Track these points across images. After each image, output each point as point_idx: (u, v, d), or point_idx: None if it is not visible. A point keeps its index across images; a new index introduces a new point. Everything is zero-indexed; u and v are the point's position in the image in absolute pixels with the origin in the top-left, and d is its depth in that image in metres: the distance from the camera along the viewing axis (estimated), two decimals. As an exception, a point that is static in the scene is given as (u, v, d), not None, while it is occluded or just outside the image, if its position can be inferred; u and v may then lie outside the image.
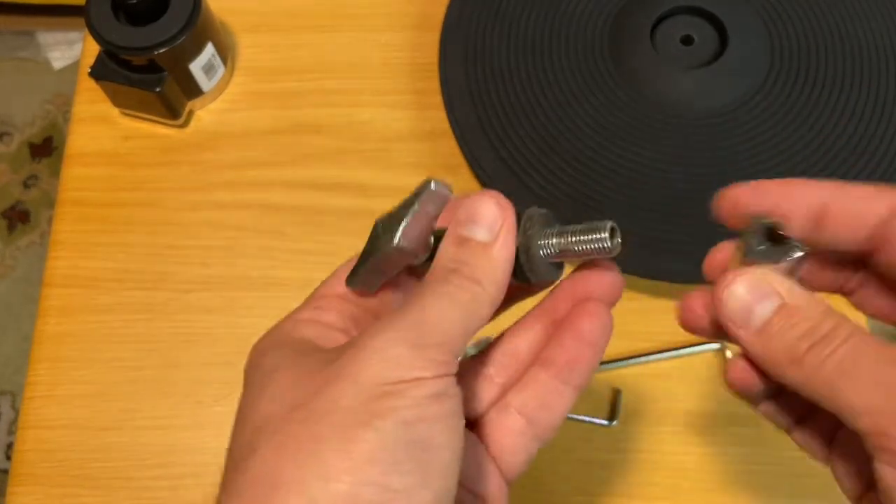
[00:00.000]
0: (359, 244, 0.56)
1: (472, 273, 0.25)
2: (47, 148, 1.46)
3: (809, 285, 0.27)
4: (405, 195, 0.57)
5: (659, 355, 0.51)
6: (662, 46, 0.54)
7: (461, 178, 0.56)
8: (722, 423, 0.50)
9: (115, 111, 0.58)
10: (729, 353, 0.51)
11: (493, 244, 0.26)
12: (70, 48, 1.48)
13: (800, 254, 0.26)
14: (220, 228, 0.55)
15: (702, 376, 0.51)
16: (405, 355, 0.23)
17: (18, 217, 1.41)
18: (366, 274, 0.27)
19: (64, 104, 1.48)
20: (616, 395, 0.50)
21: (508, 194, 0.52)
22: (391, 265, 0.27)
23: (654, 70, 0.53)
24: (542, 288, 0.29)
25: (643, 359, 0.51)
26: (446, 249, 0.26)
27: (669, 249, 0.49)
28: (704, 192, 0.51)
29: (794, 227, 0.26)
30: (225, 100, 0.58)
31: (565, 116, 0.53)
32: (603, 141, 0.52)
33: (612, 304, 0.30)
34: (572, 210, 0.50)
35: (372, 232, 0.28)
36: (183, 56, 0.52)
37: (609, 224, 0.26)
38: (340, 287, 0.28)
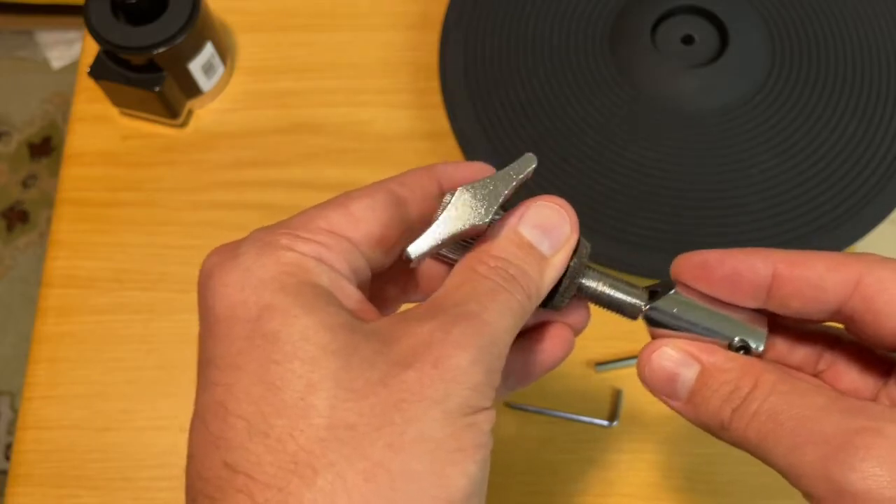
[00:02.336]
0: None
1: (528, 285, 0.23)
2: (46, 148, 1.46)
3: (784, 364, 0.27)
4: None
5: (659, 355, 0.51)
6: (663, 46, 0.54)
7: (461, 177, 0.56)
8: (722, 423, 0.50)
9: (114, 111, 0.58)
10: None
11: (552, 260, 0.25)
12: (69, 48, 1.48)
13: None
14: (220, 228, 0.55)
15: (702, 376, 0.51)
16: (481, 381, 0.21)
17: (17, 217, 1.41)
18: (435, 245, 0.23)
19: (63, 104, 1.48)
20: (616, 395, 0.50)
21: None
22: (464, 237, 0.25)
23: (654, 69, 0.53)
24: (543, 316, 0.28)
25: (644, 359, 0.51)
26: (508, 248, 0.24)
27: (669, 249, 0.49)
28: (704, 192, 0.51)
29: (748, 301, 0.26)
30: (224, 99, 0.58)
31: (565, 116, 0.53)
32: (603, 140, 0.52)
33: (577, 333, 0.29)
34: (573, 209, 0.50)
35: (448, 200, 0.24)
36: (182, 55, 0.52)
37: (647, 295, 0.27)
38: (349, 229, 0.23)
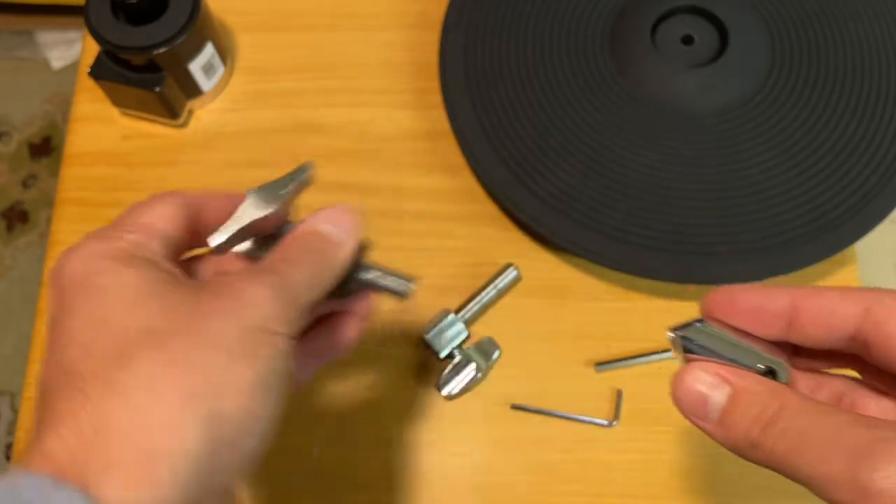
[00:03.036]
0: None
1: (322, 259, 0.31)
2: (46, 148, 1.46)
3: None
4: (405, 195, 0.57)
5: (660, 355, 0.51)
6: (663, 46, 0.54)
7: (461, 178, 0.56)
8: (722, 423, 0.50)
9: (114, 111, 0.58)
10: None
11: (343, 244, 0.32)
12: (69, 48, 1.48)
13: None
14: (220, 228, 0.55)
15: (702, 376, 0.51)
16: (276, 313, 0.27)
17: (17, 217, 1.41)
18: (234, 236, 0.32)
19: (63, 104, 1.48)
20: (617, 395, 0.50)
21: (509, 194, 0.52)
22: (257, 230, 0.32)
23: (654, 70, 0.53)
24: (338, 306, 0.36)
25: (644, 359, 0.51)
26: (307, 234, 0.31)
27: (668, 249, 0.49)
28: (704, 193, 0.51)
29: (770, 330, 0.28)
30: (224, 99, 0.58)
31: (565, 116, 0.53)
32: (603, 140, 0.52)
33: (364, 319, 0.36)
34: (573, 210, 0.50)
35: (246, 200, 0.33)
36: (182, 56, 0.52)
37: (413, 283, 0.34)
38: (158, 220, 0.30)
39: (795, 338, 0.28)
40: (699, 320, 0.29)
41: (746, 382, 0.26)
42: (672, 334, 0.28)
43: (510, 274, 0.52)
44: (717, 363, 0.27)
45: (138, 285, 0.27)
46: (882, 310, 0.26)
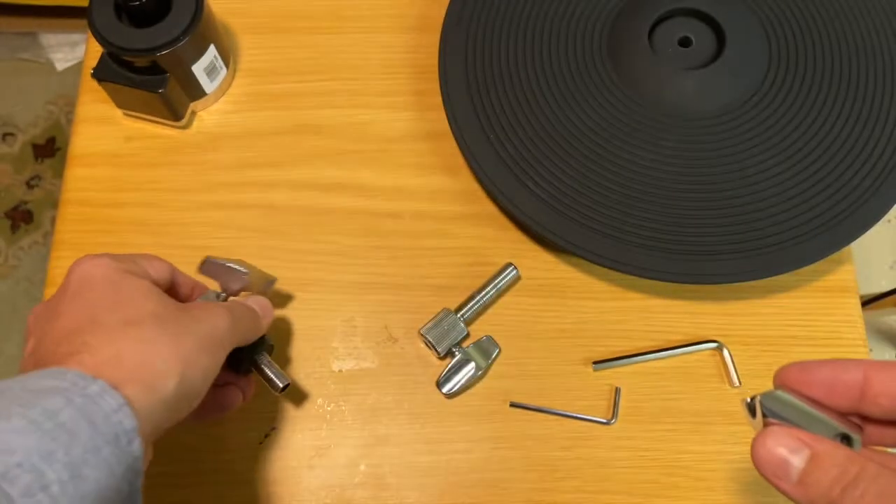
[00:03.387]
0: (359, 244, 0.56)
1: (248, 322, 0.44)
2: (50, 148, 1.46)
3: None
4: (405, 195, 0.58)
5: (657, 354, 0.51)
6: (661, 48, 0.54)
7: (461, 178, 0.56)
8: (720, 421, 0.51)
9: (117, 112, 0.58)
10: (726, 353, 0.51)
11: (261, 321, 0.46)
12: (73, 49, 1.48)
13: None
14: (222, 228, 0.55)
15: (699, 375, 0.52)
16: (224, 332, 0.40)
17: (21, 217, 1.42)
18: (211, 271, 0.48)
19: (67, 105, 1.49)
20: (615, 393, 0.51)
21: (509, 194, 0.52)
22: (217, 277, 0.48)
23: (652, 71, 0.53)
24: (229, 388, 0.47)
25: (642, 357, 0.51)
26: (243, 306, 0.45)
27: (667, 249, 0.50)
28: (702, 193, 0.51)
29: (843, 401, 0.30)
30: (227, 101, 0.59)
31: (564, 117, 0.53)
32: (602, 141, 0.52)
33: (245, 398, 0.47)
34: (572, 210, 0.51)
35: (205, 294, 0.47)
36: (185, 58, 0.53)
37: (287, 384, 0.46)
38: (152, 267, 0.42)
39: (867, 409, 0.30)
40: (777, 389, 0.31)
41: (825, 447, 0.28)
42: (750, 400, 0.30)
43: (510, 273, 0.52)
44: (795, 429, 0.29)
45: (147, 289, 0.39)
46: None
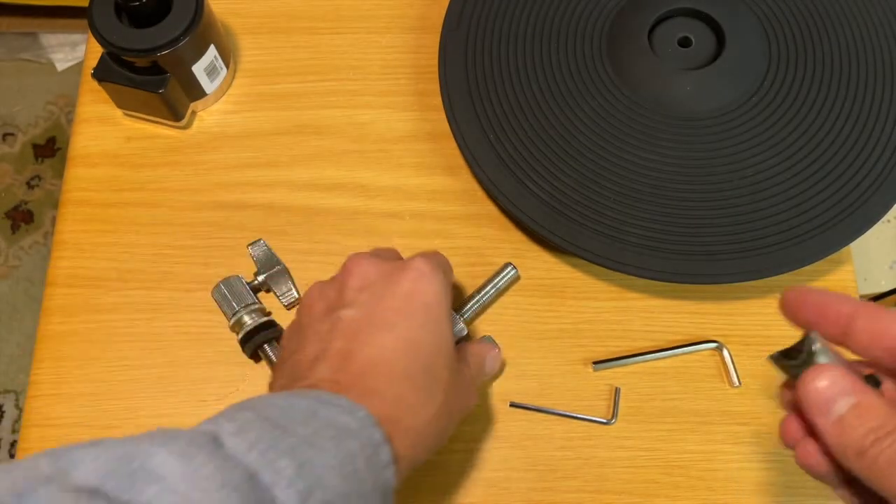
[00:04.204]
0: (360, 244, 0.57)
1: (479, 374, 0.47)
2: (50, 148, 1.46)
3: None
4: (406, 195, 0.58)
5: (657, 354, 0.51)
6: (660, 48, 0.54)
7: (461, 178, 0.56)
8: (719, 420, 0.51)
9: (118, 112, 0.58)
10: (726, 353, 0.51)
11: (487, 373, 0.48)
12: (73, 50, 1.49)
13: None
14: (223, 228, 0.55)
15: (699, 375, 0.52)
16: (474, 393, 0.45)
17: (22, 217, 1.42)
18: None
19: (67, 105, 1.49)
20: (615, 393, 0.51)
21: (509, 194, 0.52)
22: None
23: (652, 72, 0.53)
24: None
25: (641, 357, 0.51)
26: (478, 357, 0.47)
27: (667, 249, 0.50)
28: (702, 193, 0.51)
29: (828, 331, 0.33)
30: (227, 101, 0.59)
31: (564, 118, 0.53)
32: (602, 142, 0.52)
33: None
34: (572, 210, 0.51)
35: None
36: (185, 58, 0.53)
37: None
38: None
39: (850, 342, 0.32)
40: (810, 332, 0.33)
41: (870, 399, 0.30)
42: (809, 336, 0.32)
43: (509, 273, 0.52)
44: (845, 371, 0.31)
45: (450, 345, 0.41)
46: None
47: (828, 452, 0.31)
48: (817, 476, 0.33)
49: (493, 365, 0.48)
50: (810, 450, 0.32)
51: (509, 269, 0.53)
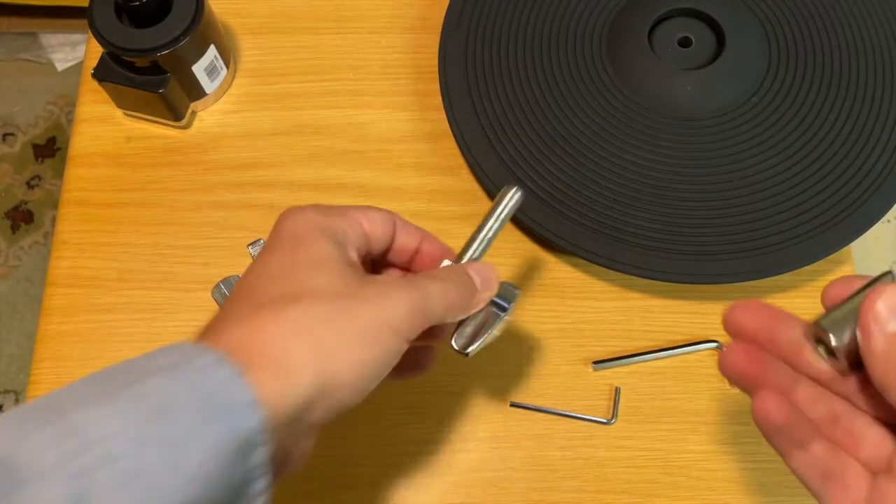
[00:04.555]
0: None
1: (460, 295, 0.37)
2: (50, 148, 1.46)
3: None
4: (406, 195, 0.58)
5: (657, 354, 0.52)
6: (660, 48, 0.54)
7: (461, 178, 0.56)
8: (720, 420, 0.51)
9: (118, 112, 0.58)
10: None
11: (480, 294, 0.38)
12: (73, 49, 1.49)
13: None
14: (223, 229, 0.55)
15: (700, 374, 0.52)
16: (405, 317, 0.33)
17: (22, 217, 1.42)
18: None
19: (67, 105, 1.49)
20: (615, 393, 0.51)
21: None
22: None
23: (652, 72, 0.53)
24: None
25: (641, 357, 0.51)
26: (459, 271, 0.38)
27: (667, 249, 0.50)
28: (702, 193, 0.51)
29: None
30: (227, 101, 0.59)
31: (564, 118, 0.53)
32: (602, 142, 0.52)
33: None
34: (572, 210, 0.51)
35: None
36: (186, 58, 0.53)
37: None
38: (366, 224, 0.37)
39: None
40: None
41: None
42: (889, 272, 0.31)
43: (514, 198, 0.40)
44: None
45: (327, 257, 0.34)
46: None
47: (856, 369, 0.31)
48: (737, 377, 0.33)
49: (485, 276, 0.38)
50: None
51: (513, 192, 0.40)
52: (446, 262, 0.39)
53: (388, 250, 0.39)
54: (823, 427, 0.32)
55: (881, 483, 0.30)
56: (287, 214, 0.36)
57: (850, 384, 0.32)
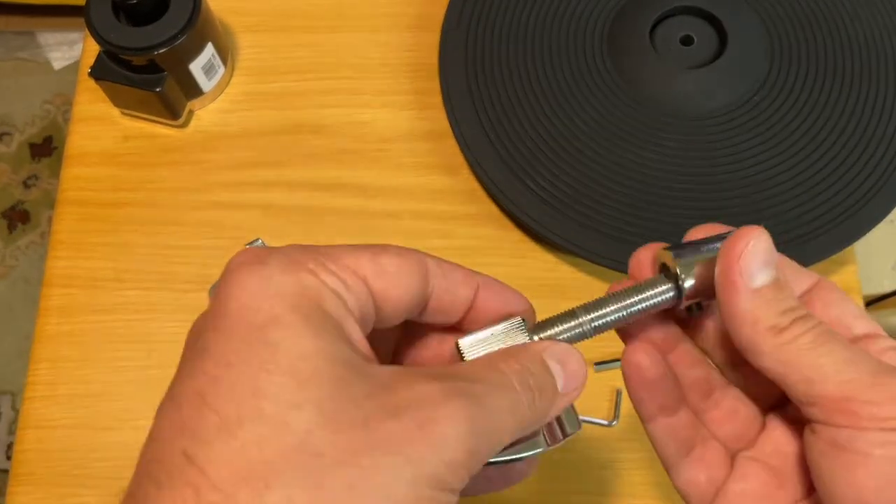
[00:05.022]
0: (358, 244, 0.55)
1: (538, 402, 0.24)
2: (47, 148, 1.46)
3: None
4: (405, 195, 0.57)
5: (659, 355, 0.51)
6: (662, 47, 0.54)
7: (461, 178, 0.56)
8: (721, 422, 0.50)
9: (115, 111, 0.58)
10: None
11: (562, 396, 0.26)
12: (70, 48, 1.48)
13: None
14: (220, 228, 0.55)
15: (701, 376, 0.51)
16: (461, 461, 0.21)
17: (19, 217, 1.41)
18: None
19: (64, 104, 1.48)
20: (617, 395, 0.51)
21: (509, 194, 0.52)
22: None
23: (653, 70, 0.53)
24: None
25: (643, 359, 0.51)
26: (533, 363, 0.25)
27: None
28: (704, 193, 0.51)
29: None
30: (225, 100, 0.59)
31: (565, 117, 0.53)
32: (603, 141, 0.52)
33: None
34: (572, 210, 0.50)
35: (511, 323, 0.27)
36: (183, 56, 0.53)
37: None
38: (372, 277, 0.23)
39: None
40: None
41: (785, 282, 0.25)
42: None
43: (664, 293, 0.28)
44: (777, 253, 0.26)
45: (315, 361, 0.20)
46: (825, 284, 0.27)
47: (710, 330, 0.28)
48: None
49: (572, 368, 0.26)
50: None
51: (666, 288, 0.27)
52: (512, 324, 0.26)
53: (422, 311, 0.26)
54: (693, 394, 0.29)
55: (741, 463, 0.28)
56: (235, 271, 0.23)
57: (725, 352, 0.29)
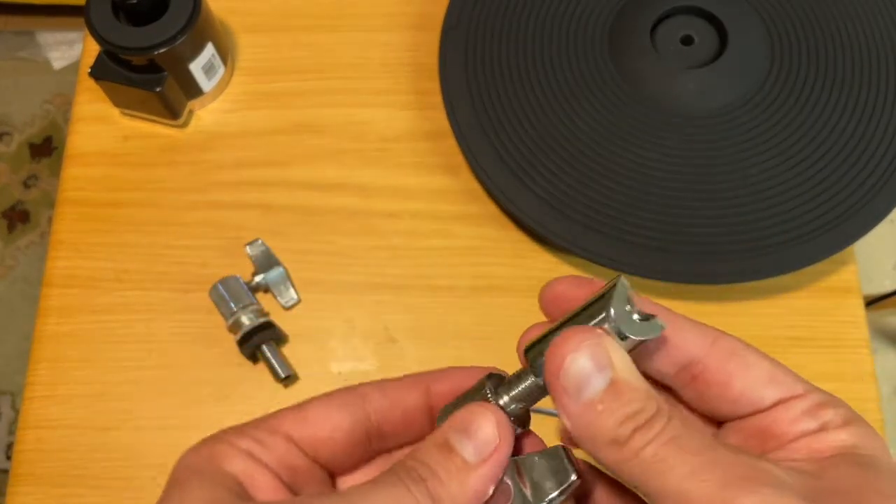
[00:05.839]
0: (358, 244, 0.56)
1: (436, 488, 0.23)
2: (47, 148, 1.46)
3: None
4: (405, 195, 0.57)
5: (659, 355, 0.51)
6: (662, 46, 0.54)
7: (461, 178, 0.56)
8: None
9: (115, 111, 0.58)
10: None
11: (475, 469, 0.24)
12: (70, 48, 1.48)
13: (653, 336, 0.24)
14: (221, 228, 0.55)
15: (701, 376, 0.51)
16: None
17: (18, 217, 1.41)
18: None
19: (64, 104, 1.48)
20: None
21: (509, 194, 0.52)
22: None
23: (654, 70, 0.53)
24: None
25: (643, 359, 0.51)
26: (428, 448, 0.24)
27: (669, 250, 0.49)
28: (703, 192, 0.51)
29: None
30: (225, 100, 0.59)
31: (565, 117, 0.53)
32: (603, 141, 0.52)
33: None
34: (572, 210, 0.50)
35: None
36: (183, 56, 0.53)
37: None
38: (295, 428, 0.25)
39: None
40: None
41: (629, 376, 0.23)
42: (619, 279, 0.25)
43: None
44: (611, 343, 0.24)
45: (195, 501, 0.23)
46: (726, 344, 0.25)
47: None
48: None
49: (482, 434, 0.24)
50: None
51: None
52: (476, 388, 0.26)
53: (380, 435, 0.27)
54: None
55: None
56: (185, 453, 0.26)
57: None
